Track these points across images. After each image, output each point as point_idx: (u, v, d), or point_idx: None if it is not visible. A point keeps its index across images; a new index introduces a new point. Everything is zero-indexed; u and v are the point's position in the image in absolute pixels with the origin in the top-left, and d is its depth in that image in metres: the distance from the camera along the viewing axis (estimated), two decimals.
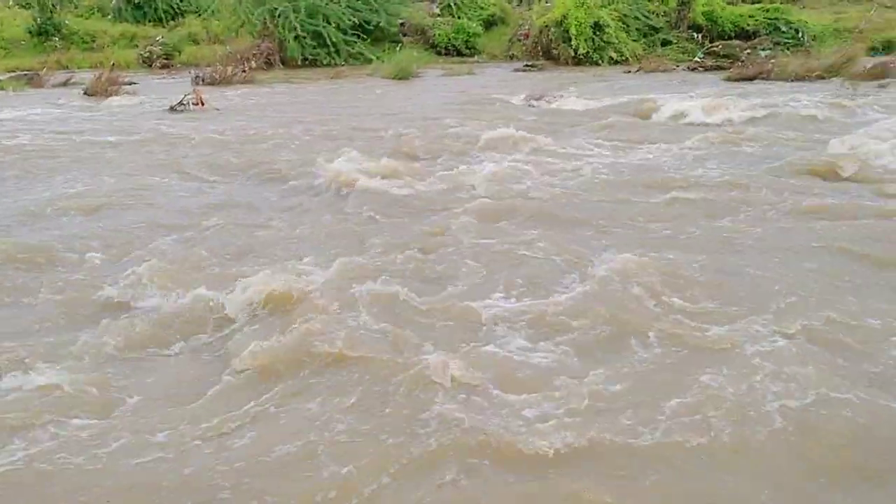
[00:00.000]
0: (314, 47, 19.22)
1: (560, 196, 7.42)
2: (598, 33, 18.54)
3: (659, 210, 7.02)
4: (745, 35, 18.65)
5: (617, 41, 18.64)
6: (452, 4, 22.40)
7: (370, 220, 6.76)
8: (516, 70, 18.20)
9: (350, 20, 19.60)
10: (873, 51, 17.66)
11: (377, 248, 5.78)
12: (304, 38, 19.09)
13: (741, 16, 19.29)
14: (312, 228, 6.44)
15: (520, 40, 20.58)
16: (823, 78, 14.76)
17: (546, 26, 19.16)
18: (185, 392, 3.73)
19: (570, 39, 18.45)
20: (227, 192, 7.66)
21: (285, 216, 6.76)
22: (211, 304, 4.57)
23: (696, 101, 12.43)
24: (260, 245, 5.89)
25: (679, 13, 19.37)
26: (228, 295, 4.60)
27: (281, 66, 18.83)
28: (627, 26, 19.25)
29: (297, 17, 18.99)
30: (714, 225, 6.58)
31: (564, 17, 18.61)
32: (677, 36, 19.22)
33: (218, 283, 4.85)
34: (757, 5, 21.03)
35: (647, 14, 19.61)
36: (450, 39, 20.63)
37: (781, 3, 22.21)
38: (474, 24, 21.16)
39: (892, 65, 15.19)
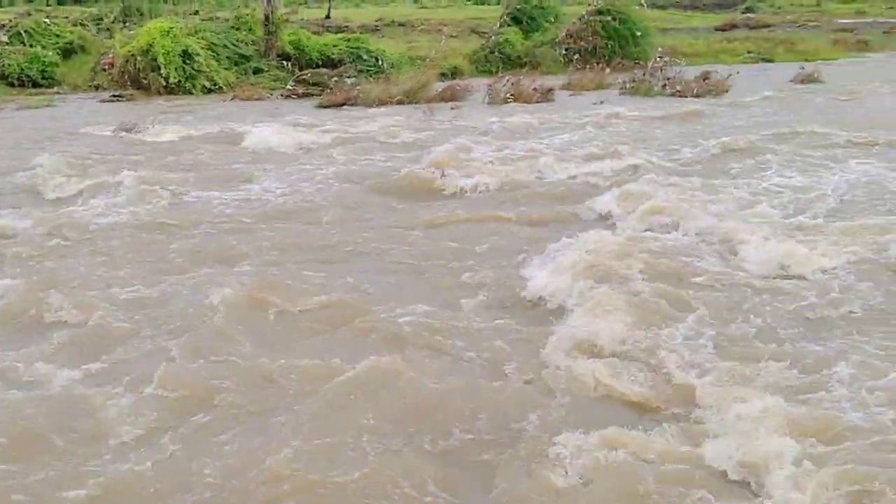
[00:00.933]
0: None
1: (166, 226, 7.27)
2: (188, 62, 18.20)
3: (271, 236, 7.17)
4: (332, 63, 19.61)
5: (208, 69, 18.47)
6: (23, 32, 20.41)
7: None
8: (103, 101, 17.18)
9: None
10: (444, 76, 19.65)
11: None
12: None
13: (326, 45, 20.28)
14: None
15: (105, 69, 19.42)
16: (403, 102, 16.10)
17: (132, 55, 18.33)
18: None
19: (159, 68, 17.89)
20: None
21: None
22: None
23: (291, 126, 12.86)
24: None
25: (267, 42, 19.77)
26: None
27: None
28: (217, 55, 19.15)
29: None
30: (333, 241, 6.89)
31: (150, 45, 17.98)
32: (268, 64, 19.58)
33: None
34: (339, 35, 22.29)
35: (235, 43, 19.71)
36: (23, 70, 18.79)
37: (361, 34, 23.81)
38: (50, 53, 19.50)
39: (458, 87, 17.10)
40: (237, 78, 18.93)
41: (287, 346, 4.98)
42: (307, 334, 5.16)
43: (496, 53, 21.82)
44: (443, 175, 9.23)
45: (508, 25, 23.31)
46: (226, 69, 19.04)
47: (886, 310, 5.45)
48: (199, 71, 18.31)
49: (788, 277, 6.04)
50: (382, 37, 29.53)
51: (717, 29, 36.08)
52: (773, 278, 6.03)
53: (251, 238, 7.08)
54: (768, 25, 38.17)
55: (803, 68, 19.74)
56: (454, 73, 20.37)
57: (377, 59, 20.06)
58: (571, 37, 22.39)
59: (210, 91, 18.27)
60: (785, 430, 3.79)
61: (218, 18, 24.01)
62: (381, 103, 16.04)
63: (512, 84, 16.72)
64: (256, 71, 19.43)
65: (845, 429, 3.88)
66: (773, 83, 18.67)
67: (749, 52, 25.69)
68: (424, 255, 6.65)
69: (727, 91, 17.18)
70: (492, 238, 7.07)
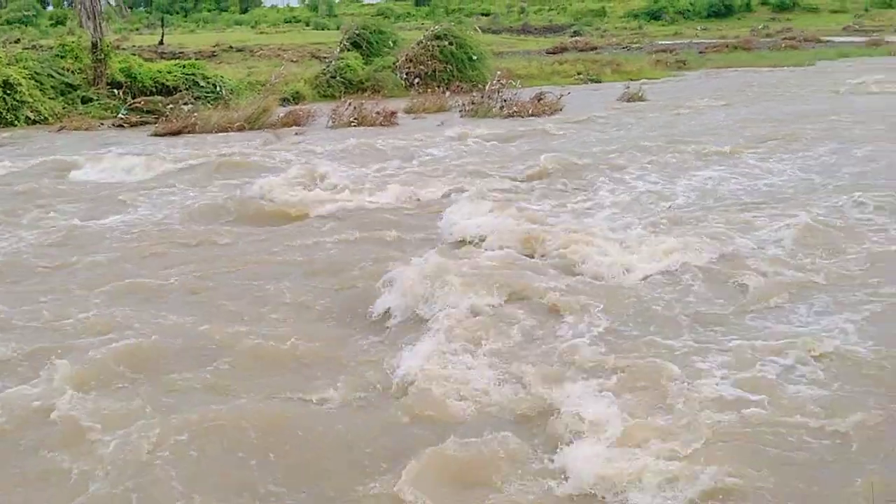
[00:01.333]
0: None
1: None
2: (9, 93, 17.13)
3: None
4: (167, 91, 18.96)
5: (32, 100, 17.46)
6: None
7: None
8: None
9: None
10: (285, 101, 19.46)
11: None
12: None
13: (160, 72, 19.58)
14: None
15: None
16: (244, 128, 15.79)
17: None
18: None
19: None
20: None
21: None
22: None
23: (124, 157, 12.35)
24: None
25: (96, 70, 18.85)
26: None
27: None
28: (42, 84, 18.11)
29: None
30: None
31: None
32: (97, 93, 18.65)
33: None
34: (174, 62, 21.63)
35: (60, 71, 18.69)
36: None
37: (197, 60, 23.21)
38: None
39: (301, 112, 16.99)
40: (64, 108, 17.98)
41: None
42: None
43: (337, 78, 21.86)
44: (301, 200, 9.23)
45: (348, 50, 23.44)
46: (51, 99, 18.05)
47: (731, 305, 5.87)
48: (21, 101, 17.28)
49: (642, 279, 6.39)
50: (220, 62, 28.96)
51: (548, 52, 37.81)
52: (627, 282, 6.35)
53: (154, 263, 6.91)
54: (595, 48, 40.41)
55: (629, 87, 20.90)
56: (296, 98, 20.23)
57: (215, 86, 19.61)
58: (411, 61, 22.79)
59: (35, 122, 17.27)
60: (649, 437, 3.90)
61: (41, 47, 22.76)
62: (222, 130, 15.67)
63: (355, 108, 16.78)
64: (85, 100, 18.51)
65: (712, 432, 4.03)
66: (603, 102, 19.71)
67: (579, 74, 27.02)
68: (286, 277, 6.60)
69: (560, 110, 17.96)
70: (351, 257, 7.10)
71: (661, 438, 3.91)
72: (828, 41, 43.35)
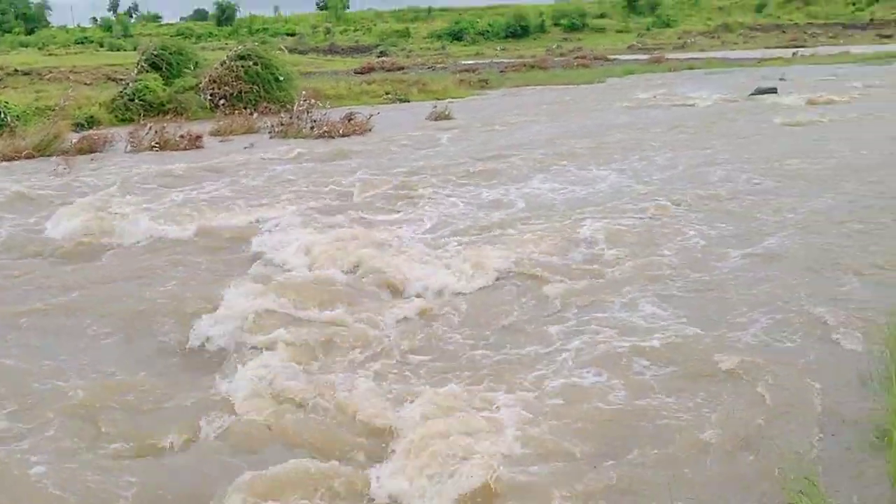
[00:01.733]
0: None
1: None
2: None
3: None
4: None
5: None
6: None
7: None
8: None
9: None
10: (80, 126, 18.32)
11: None
12: None
13: None
14: None
15: None
16: (33, 156, 14.70)
17: None
18: None
19: None
20: None
21: None
22: None
23: None
24: None
25: None
26: None
27: None
28: None
29: None
30: None
31: None
32: None
33: None
34: None
35: None
36: None
37: None
38: None
39: (96, 137, 16.03)
40: None
41: None
42: None
43: (136, 101, 20.83)
44: (102, 231, 8.75)
45: (147, 72, 22.40)
46: None
47: (566, 305, 6.17)
48: None
49: (482, 287, 6.63)
50: (4, 87, 26.96)
51: (356, 72, 38.02)
52: (464, 293, 6.51)
53: None
54: (402, 68, 41.07)
55: (436, 106, 21.34)
56: (90, 122, 19.10)
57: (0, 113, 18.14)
58: (215, 82, 22.11)
59: None
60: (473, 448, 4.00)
61: None
62: (7, 159, 14.52)
63: (156, 132, 16.07)
64: None
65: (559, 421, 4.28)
66: (414, 121, 19.98)
67: (387, 93, 27.32)
68: (102, 312, 6.20)
69: (370, 130, 18.02)
70: (167, 286, 6.81)
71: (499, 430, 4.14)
72: (615, 59, 46.43)
